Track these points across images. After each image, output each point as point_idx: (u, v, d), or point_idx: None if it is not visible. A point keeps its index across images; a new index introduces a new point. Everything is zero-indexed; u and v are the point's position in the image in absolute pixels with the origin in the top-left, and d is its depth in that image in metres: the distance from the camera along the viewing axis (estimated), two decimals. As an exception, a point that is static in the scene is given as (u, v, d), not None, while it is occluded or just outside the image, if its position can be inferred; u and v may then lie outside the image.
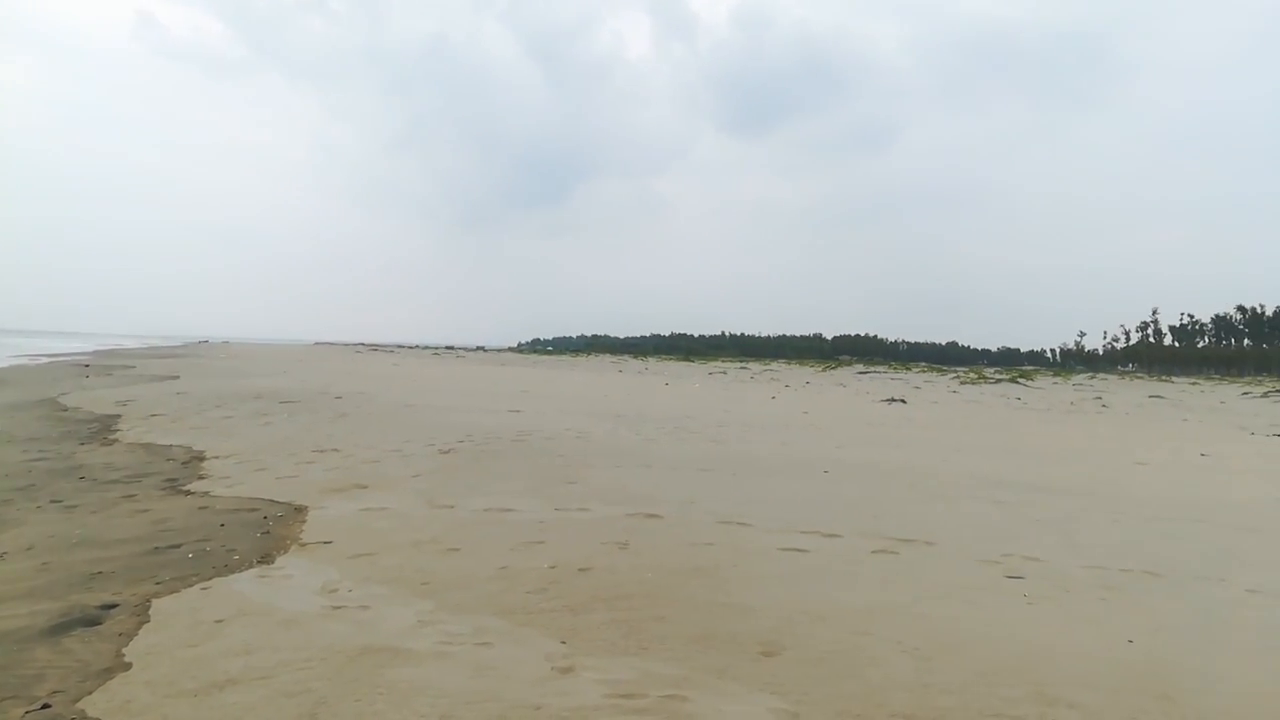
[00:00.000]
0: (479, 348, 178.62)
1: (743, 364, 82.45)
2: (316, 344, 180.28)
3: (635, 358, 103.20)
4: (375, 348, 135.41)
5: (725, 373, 59.87)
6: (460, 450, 12.08)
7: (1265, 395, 46.55)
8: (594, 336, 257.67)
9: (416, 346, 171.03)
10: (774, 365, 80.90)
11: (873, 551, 6.90)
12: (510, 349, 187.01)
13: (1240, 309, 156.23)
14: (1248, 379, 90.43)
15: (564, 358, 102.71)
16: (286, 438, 13.16)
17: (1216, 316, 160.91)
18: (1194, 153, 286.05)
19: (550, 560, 6.26)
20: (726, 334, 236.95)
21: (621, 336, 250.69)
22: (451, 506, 8.18)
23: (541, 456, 11.81)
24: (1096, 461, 14.64)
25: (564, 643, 4.63)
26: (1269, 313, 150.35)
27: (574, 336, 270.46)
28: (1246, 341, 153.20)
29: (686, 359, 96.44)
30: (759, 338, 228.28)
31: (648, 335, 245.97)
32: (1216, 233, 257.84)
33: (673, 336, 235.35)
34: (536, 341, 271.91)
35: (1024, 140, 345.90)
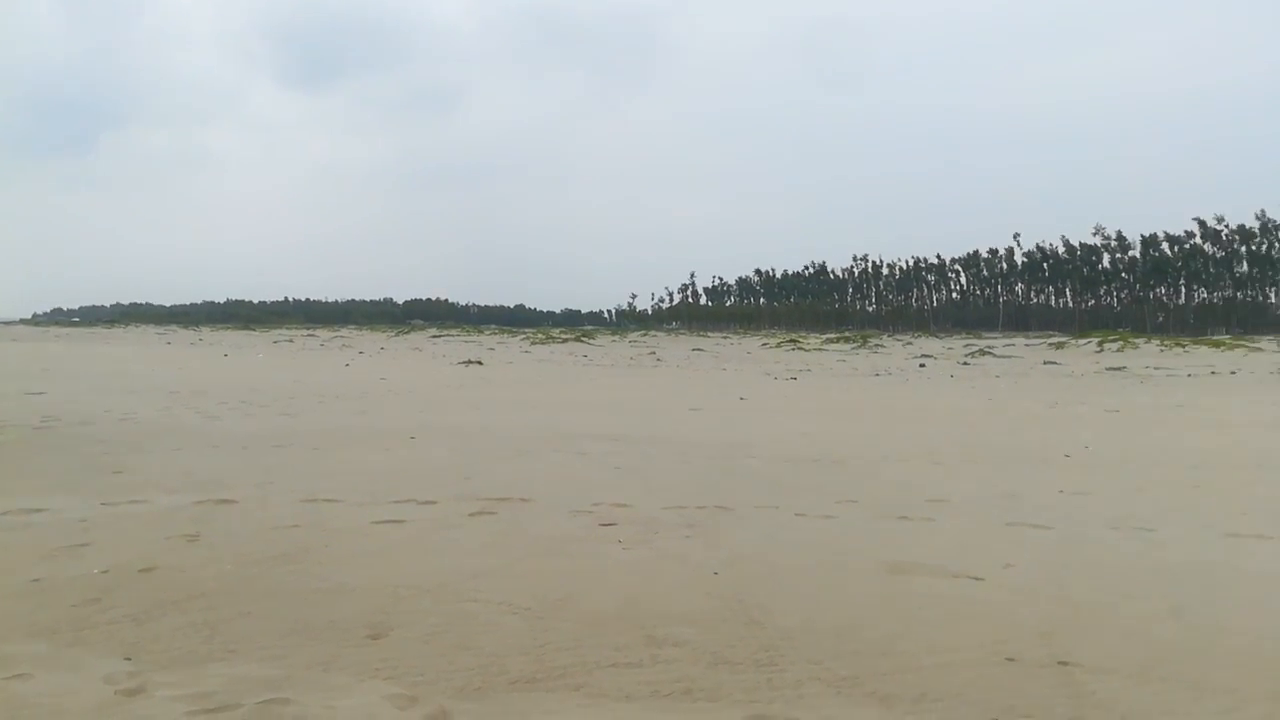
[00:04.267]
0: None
1: (310, 331, 78.36)
2: None
3: (186, 327, 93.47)
4: None
5: (292, 340, 56.50)
6: (-36, 444, 9.94)
7: (779, 345, 54.39)
8: (132, 305, 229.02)
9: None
10: (344, 331, 77.96)
11: (471, 514, 6.79)
12: (23, 321, 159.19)
13: (758, 272, 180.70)
14: (764, 332, 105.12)
15: (96, 329, 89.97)
16: None
17: (740, 279, 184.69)
18: (721, 134, 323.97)
19: (101, 564, 5.30)
20: (291, 299, 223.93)
21: (169, 305, 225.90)
22: (-44, 513, 6.64)
23: (77, 444, 10.11)
24: (659, 409, 15.96)
25: (129, 659, 3.91)
26: (778, 275, 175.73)
27: (108, 305, 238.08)
28: (763, 300, 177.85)
29: (247, 327, 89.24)
30: (327, 303, 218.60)
31: (199, 303, 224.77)
32: (740, 206, 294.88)
33: (229, 304, 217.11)
34: (58, 312, 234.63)
35: (585, 112, 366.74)
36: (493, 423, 13.07)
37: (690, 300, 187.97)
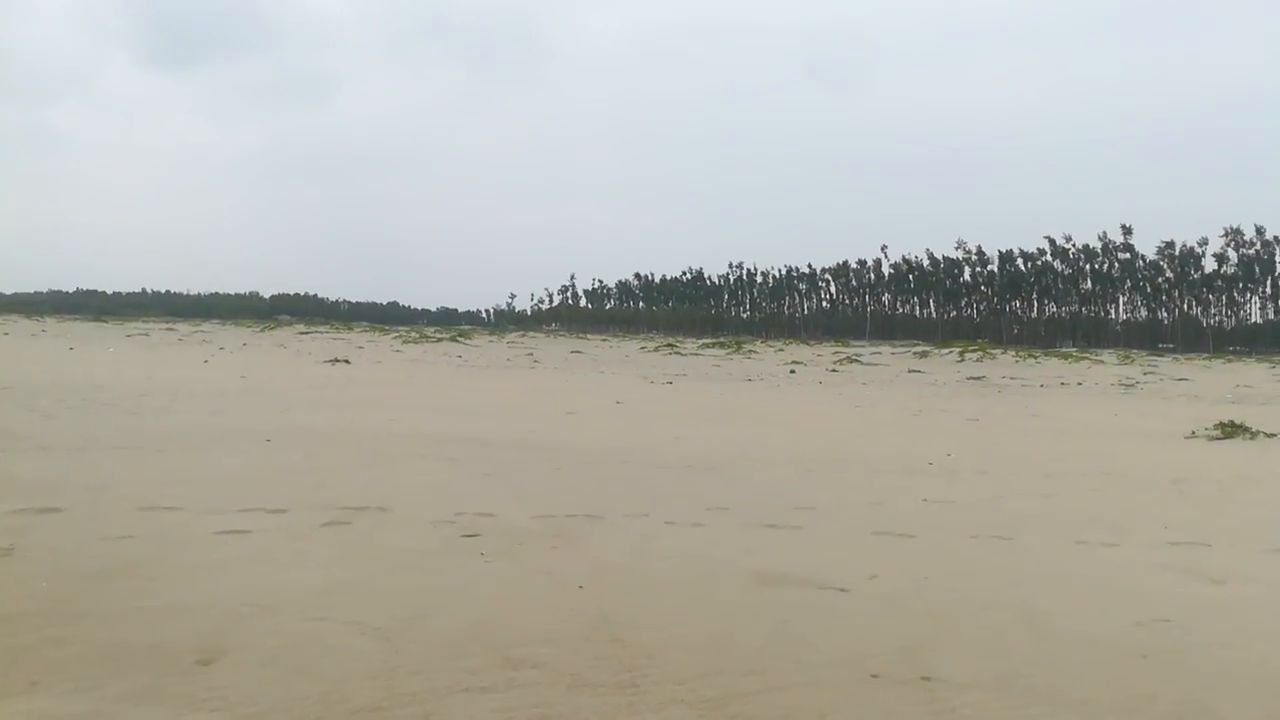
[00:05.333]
0: None
1: (169, 325, 74.33)
2: None
3: (28, 317, 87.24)
4: None
5: (148, 335, 53.40)
6: None
7: (657, 349, 54.76)
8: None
9: None
10: (206, 326, 74.29)
11: (323, 524, 6.40)
12: None
13: (637, 276, 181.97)
14: (643, 336, 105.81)
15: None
16: None
17: (620, 282, 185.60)
18: (600, 137, 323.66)
19: (-111, 584, 4.72)
20: (149, 291, 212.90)
21: (9, 293, 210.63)
22: None
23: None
24: (534, 413, 15.68)
25: (-93, 698, 3.44)
26: (658, 279, 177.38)
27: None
28: (642, 304, 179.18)
29: (99, 319, 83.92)
30: (188, 296, 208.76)
31: (45, 291, 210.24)
32: (617, 209, 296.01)
33: (80, 294, 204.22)
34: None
35: (464, 107, 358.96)
36: (356, 426, 12.54)
37: (570, 302, 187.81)
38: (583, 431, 12.96)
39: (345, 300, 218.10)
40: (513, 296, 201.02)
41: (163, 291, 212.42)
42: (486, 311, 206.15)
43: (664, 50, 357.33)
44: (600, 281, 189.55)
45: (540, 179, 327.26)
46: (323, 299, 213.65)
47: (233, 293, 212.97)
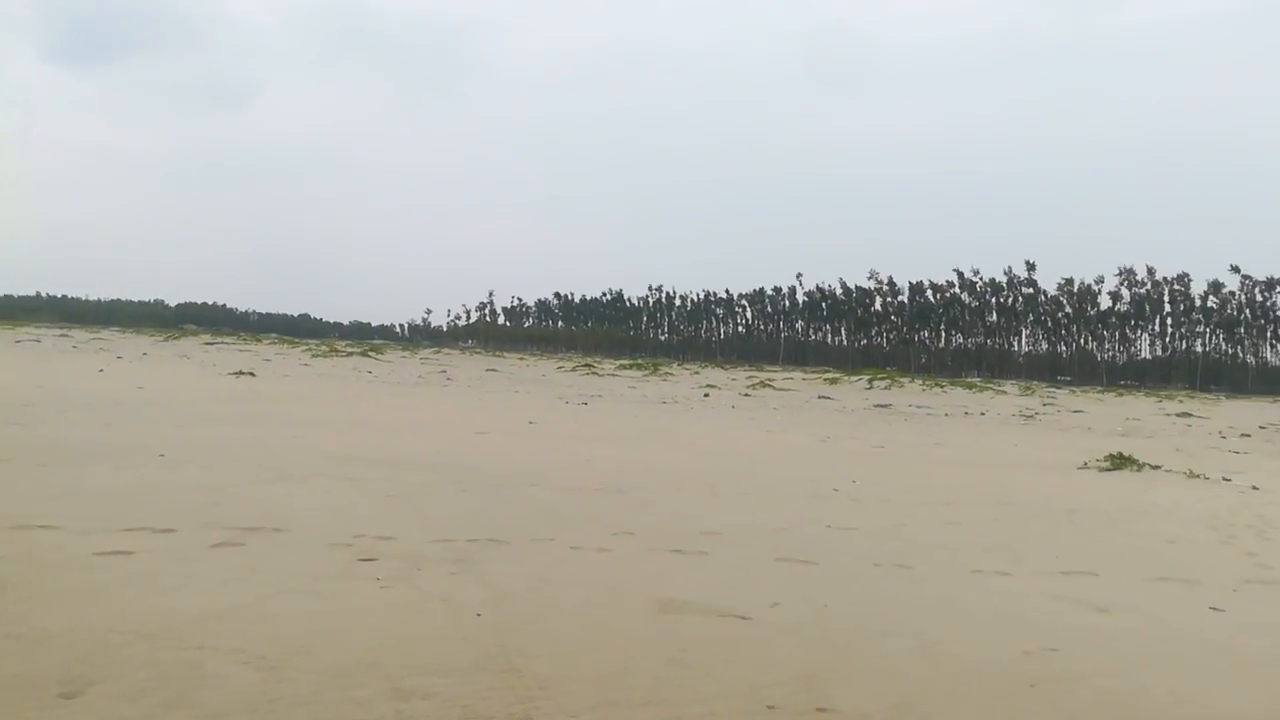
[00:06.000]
0: None
1: (64, 331, 71.06)
2: None
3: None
4: None
5: (39, 341, 50.96)
6: None
7: (574, 369, 54.63)
8: None
9: None
10: (104, 333, 71.24)
11: (213, 545, 6.14)
12: None
13: (557, 295, 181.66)
14: (561, 355, 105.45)
15: None
16: None
17: (539, 300, 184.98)
18: (522, 157, 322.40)
19: None
20: (44, 294, 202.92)
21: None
22: None
23: None
24: (444, 433, 15.43)
25: None
26: (577, 299, 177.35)
27: None
28: (561, 323, 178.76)
29: (-15, 323, 79.77)
30: (87, 301, 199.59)
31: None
32: (538, 229, 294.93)
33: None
34: None
35: (386, 121, 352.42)
36: (257, 442, 12.13)
37: (488, 319, 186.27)
38: (493, 452, 12.79)
39: (255, 311, 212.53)
40: (428, 312, 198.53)
41: (59, 295, 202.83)
42: (401, 327, 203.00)
43: (586, 72, 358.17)
44: (519, 300, 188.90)
45: (461, 196, 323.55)
46: (231, 309, 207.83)
47: (136, 300, 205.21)
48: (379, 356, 54.23)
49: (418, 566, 5.90)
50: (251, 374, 29.74)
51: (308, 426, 14.79)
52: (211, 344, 59.35)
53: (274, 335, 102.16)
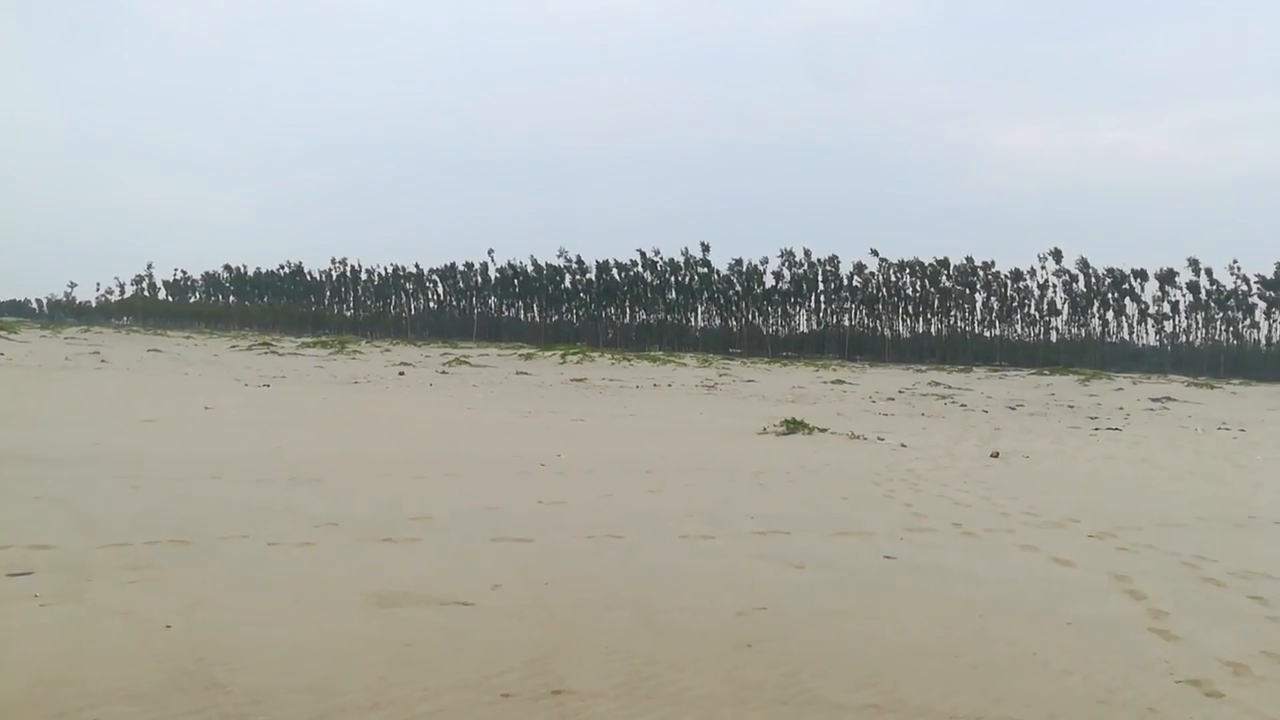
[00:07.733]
0: None
1: None
2: None
3: None
4: None
5: None
6: None
7: (250, 348, 50.82)
8: None
9: None
10: None
11: None
12: None
13: (227, 268, 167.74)
14: (234, 333, 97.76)
15: None
16: None
17: (206, 274, 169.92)
18: (191, 116, 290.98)
19: None
20: None
21: None
22: None
23: None
24: (102, 423, 13.69)
25: None
26: (251, 273, 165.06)
27: None
28: (233, 299, 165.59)
29: None
30: None
31: None
32: (205, 192, 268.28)
33: None
34: None
35: (18, 68, 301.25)
36: None
37: (147, 294, 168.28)
38: (165, 442, 11.52)
39: None
40: (73, 285, 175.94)
41: None
42: (38, 301, 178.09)
43: (262, 38, 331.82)
44: (183, 272, 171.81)
45: (109, 153, 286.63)
46: None
47: None
48: (12, 335, 47.18)
49: (87, 578, 5.14)
50: None
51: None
52: None
53: None
